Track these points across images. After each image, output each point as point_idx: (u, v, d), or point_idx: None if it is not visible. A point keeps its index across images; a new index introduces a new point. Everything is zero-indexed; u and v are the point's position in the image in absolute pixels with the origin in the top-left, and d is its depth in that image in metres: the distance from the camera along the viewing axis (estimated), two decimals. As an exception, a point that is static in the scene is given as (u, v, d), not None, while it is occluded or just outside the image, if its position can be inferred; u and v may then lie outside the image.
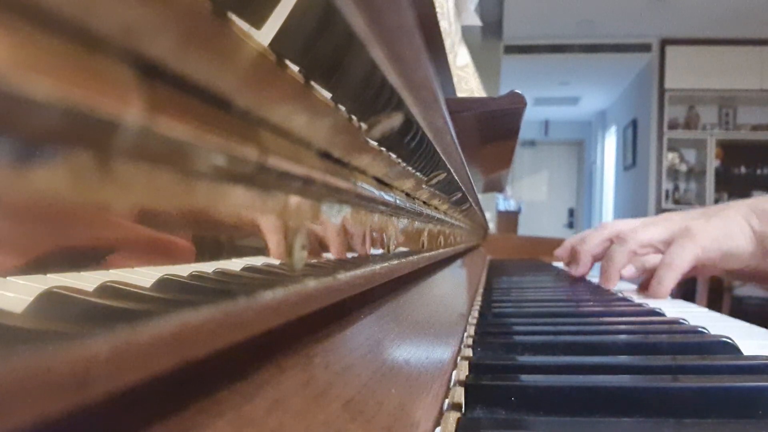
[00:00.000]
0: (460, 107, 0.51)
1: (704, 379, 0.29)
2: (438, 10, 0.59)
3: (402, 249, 0.34)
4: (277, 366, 0.16)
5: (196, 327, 0.11)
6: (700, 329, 0.44)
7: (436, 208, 0.47)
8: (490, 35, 3.23)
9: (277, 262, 0.16)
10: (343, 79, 0.18)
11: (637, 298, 0.74)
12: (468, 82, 0.83)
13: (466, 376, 0.30)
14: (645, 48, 4.51)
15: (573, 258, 1.06)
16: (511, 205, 4.42)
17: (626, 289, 0.87)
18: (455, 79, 0.72)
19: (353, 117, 0.20)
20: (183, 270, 0.13)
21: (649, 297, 0.79)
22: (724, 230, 0.78)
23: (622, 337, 0.43)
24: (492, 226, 2.89)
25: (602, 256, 0.89)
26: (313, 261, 0.19)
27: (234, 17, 0.11)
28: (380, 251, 0.29)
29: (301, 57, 0.16)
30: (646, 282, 0.86)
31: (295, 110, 0.15)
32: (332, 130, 0.18)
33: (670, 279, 0.79)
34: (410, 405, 0.21)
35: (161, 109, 0.09)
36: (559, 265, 1.39)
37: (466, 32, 0.92)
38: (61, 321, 0.10)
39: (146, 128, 0.09)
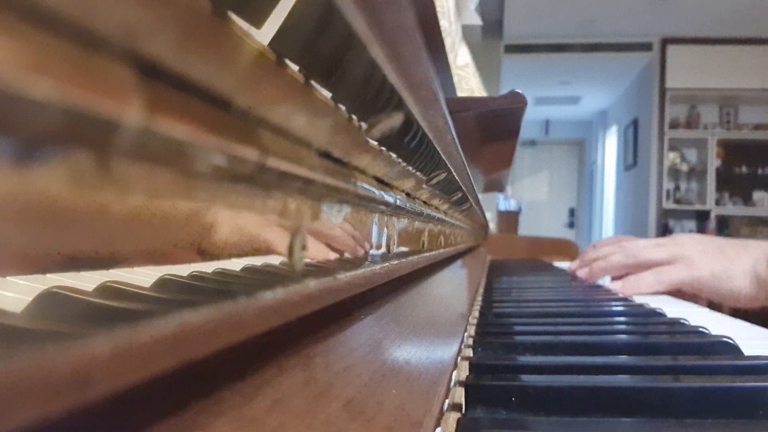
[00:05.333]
0: (460, 107, 0.51)
1: (705, 379, 0.28)
2: (438, 9, 0.59)
3: (402, 249, 0.34)
4: (278, 366, 0.16)
5: (196, 327, 0.11)
6: (700, 329, 0.44)
7: (436, 208, 0.47)
8: (490, 34, 3.23)
9: (277, 262, 0.16)
10: (343, 78, 0.18)
11: (638, 299, 0.74)
12: (468, 82, 0.83)
13: (467, 377, 0.30)
14: (646, 47, 4.51)
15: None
16: (512, 205, 4.42)
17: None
18: (455, 79, 0.72)
19: (353, 116, 0.20)
20: (183, 270, 0.13)
21: (624, 288, 0.82)
22: (726, 272, 0.80)
23: (623, 337, 0.43)
24: (492, 226, 2.89)
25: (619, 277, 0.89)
26: (313, 261, 0.19)
27: (234, 17, 0.11)
28: (380, 251, 0.29)
29: (301, 56, 0.16)
30: (623, 275, 0.88)
31: (295, 110, 0.15)
32: (332, 129, 0.18)
33: (649, 284, 0.82)
34: (410, 405, 0.21)
35: (161, 109, 0.09)
36: (560, 264, 1.39)
37: (467, 31, 0.92)
38: (61, 321, 0.10)
39: (146, 128, 0.09)
